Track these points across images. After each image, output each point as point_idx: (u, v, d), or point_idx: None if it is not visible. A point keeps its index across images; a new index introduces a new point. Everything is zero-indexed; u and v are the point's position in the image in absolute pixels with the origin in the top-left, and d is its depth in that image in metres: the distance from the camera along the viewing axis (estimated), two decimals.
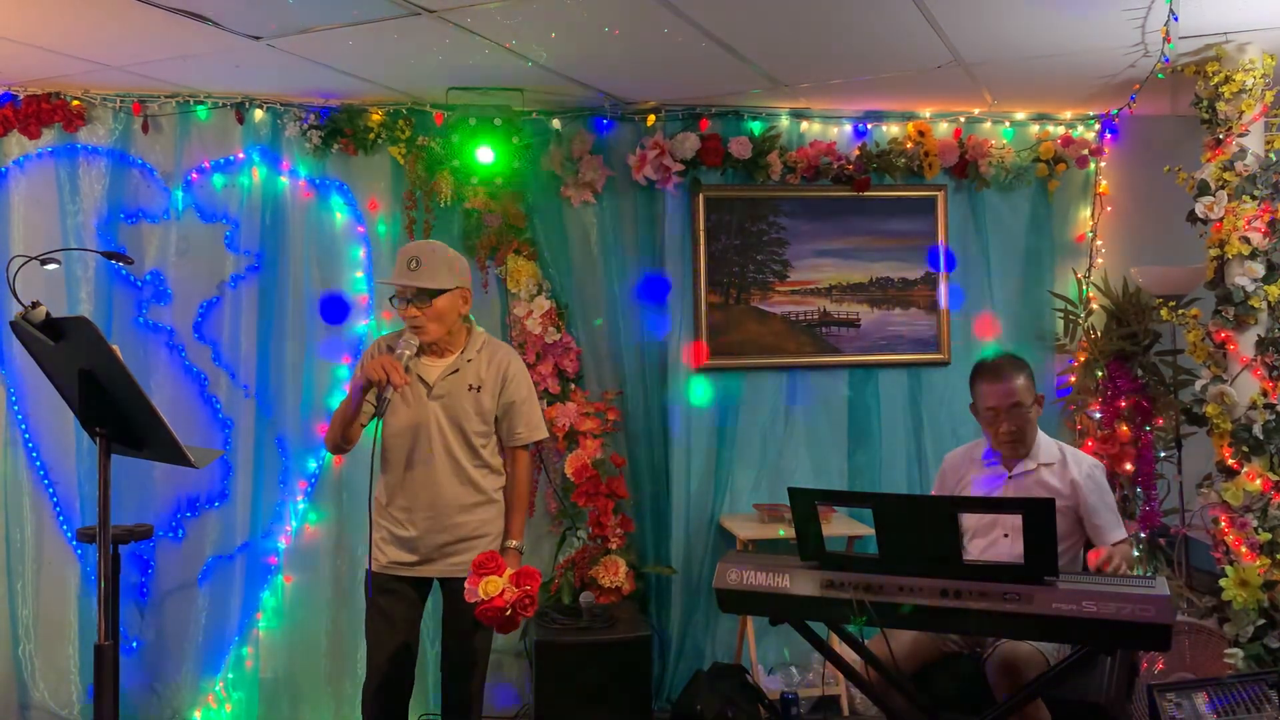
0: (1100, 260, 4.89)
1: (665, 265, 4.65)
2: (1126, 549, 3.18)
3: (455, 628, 3.22)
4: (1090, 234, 4.91)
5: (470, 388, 3.17)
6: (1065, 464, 3.25)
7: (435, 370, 3.18)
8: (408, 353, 3.07)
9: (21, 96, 4.18)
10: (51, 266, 3.90)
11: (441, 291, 3.08)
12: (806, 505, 2.67)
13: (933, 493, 3.51)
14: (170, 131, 4.34)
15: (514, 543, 3.23)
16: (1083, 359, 4.72)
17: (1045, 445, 3.30)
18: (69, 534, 4.23)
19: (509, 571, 3.00)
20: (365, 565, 3.28)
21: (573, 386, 4.57)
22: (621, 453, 4.65)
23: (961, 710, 2.95)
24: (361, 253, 4.51)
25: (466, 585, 3.01)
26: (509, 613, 2.96)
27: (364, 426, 3.21)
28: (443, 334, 3.14)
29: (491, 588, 2.97)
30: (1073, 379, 4.76)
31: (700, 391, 4.69)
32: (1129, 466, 4.51)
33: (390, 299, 3.24)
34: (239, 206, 4.38)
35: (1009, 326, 4.88)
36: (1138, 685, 3.49)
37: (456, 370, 3.17)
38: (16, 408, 4.24)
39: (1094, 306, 4.83)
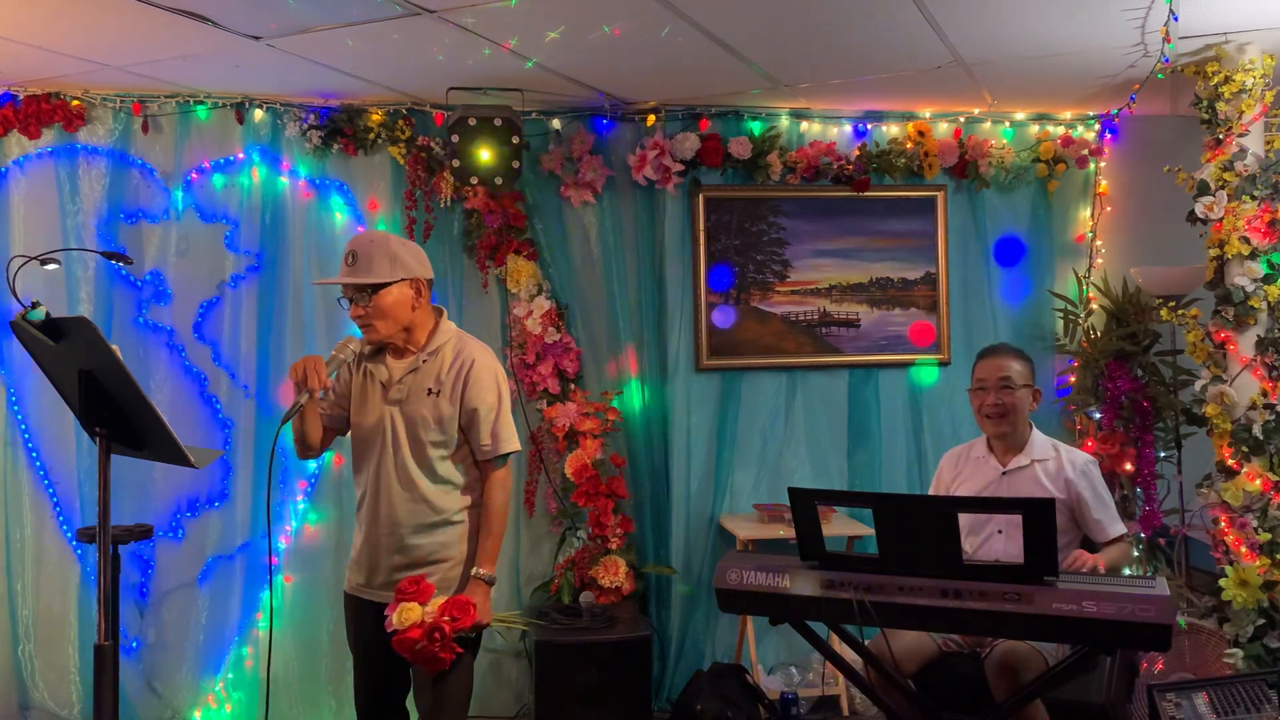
0: (1100, 260, 4.89)
1: (665, 265, 4.65)
2: (1124, 548, 3.19)
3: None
4: (1090, 234, 4.91)
5: (429, 391, 2.82)
6: (1059, 461, 3.26)
7: (395, 371, 2.88)
8: (340, 355, 2.82)
9: (21, 96, 4.18)
10: (51, 266, 3.90)
11: (382, 285, 2.78)
12: (806, 505, 2.67)
13: (930, 491, 3.52)
14: (170, 131, 4.34)
15: (481, 571, 2.81)
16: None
17: (1039, 443, 3.31)
18: (69, 534, 4.23)
19: (438, 599, 2.68)
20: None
21: (573, 386, 4.57)
22: (621, 453, 4.65)
23: (961, 710, 2.95)
24: None
25: (385, 612, 2.69)
26: (420, 646, 2.59)
27: (331, 429, 2.97)
28: (394, 332, 2.84)
29: (408, 616, 2.62)
30: (1073, 379, 4.76)
31: (700, 391, 4.69)
32: (1129, 466, 4.50)
33: (338, 299, 2.94)
34: (239, 206, 4.38)
35: (1009, 326, 4.88)
36: (1138, 685, 3.49)
37: (414, 370, 2.86)
38: (16, 408, 4.23)
39: (1094, 306, 4.83)
